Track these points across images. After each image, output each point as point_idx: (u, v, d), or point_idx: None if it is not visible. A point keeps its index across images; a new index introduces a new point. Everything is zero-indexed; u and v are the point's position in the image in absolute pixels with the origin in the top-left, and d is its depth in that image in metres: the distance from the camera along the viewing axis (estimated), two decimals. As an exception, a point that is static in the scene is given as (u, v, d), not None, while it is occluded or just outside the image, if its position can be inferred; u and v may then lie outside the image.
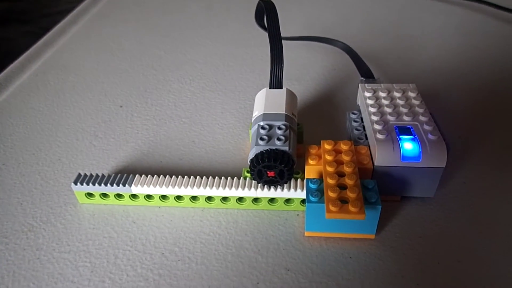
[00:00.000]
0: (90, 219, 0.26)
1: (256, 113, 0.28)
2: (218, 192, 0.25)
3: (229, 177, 0.26)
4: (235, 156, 0.31)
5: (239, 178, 0.26)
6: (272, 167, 0.24)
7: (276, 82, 0.30)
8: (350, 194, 0.22)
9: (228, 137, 0.33)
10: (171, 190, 0.26)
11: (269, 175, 0.24)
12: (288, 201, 0.26)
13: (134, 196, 0.27)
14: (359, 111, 0.31)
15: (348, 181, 0.23)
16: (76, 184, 0.26)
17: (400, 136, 0.25)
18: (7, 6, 1.64)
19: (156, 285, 0.22)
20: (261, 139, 0.25)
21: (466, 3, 0.53)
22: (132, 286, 0.22)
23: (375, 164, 0.25)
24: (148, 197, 0.27)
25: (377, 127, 0.26)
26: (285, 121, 0.26)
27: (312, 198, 0.23)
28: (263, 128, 0.26)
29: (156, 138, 0.33)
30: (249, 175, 0.25)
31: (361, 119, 0.30)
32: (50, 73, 0.43)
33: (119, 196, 0.27)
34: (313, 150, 0.26)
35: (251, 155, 0.25)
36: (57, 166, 0.31)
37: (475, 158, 0.30)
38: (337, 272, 0.23)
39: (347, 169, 0.24)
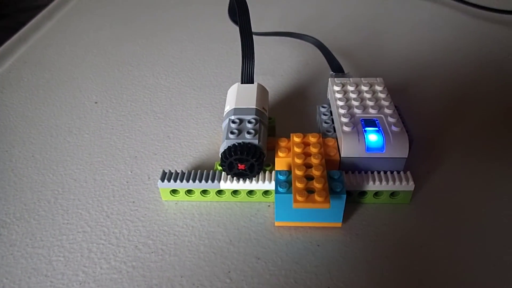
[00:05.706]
0: (64, 215, 0.27)
1: (227, 108, 0.29)
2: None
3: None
4: (210, 151, 0.32)
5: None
6: (242, 160, 0.25)
7: (247, 77, 0.30)
8: (317, 185, 0.23)
9: (202, 131, 0.34)
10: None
11: (239, 168, 0.25)
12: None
13: (220, 192, 0.27)
14: (329, 104, 0.32)
15: (315, 172, 0.24)
16: (162, 181, 0.26)
17: (366, 128, 0.26)
18: (-19, 1, 1.60)
19: (130, 277, 0.23)
20: (232, 132, 0.26)
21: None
22: (105, 279, 0.23)
23: (342, 156, 0.26)
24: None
25: (344, 120, 0.27)
26: (256, 115, 0.27)
27: (280, 189, 0.24)
28: (233, 122, 0.26)
29: (131, 134, 0.34)
30: (221, 168, 0.26)
31: (331, 112, 0.31)
32: (24, 69, 0.43)
33: (204, 192, 0.27)
34: (283, 143, 0.27)
35: (222, 149, 0.25)
36: (30, 163, 0.31)
37: (440, 149, 0.31)
38: (305, 259, 0.24)
39: (314, 161, 0.25)
